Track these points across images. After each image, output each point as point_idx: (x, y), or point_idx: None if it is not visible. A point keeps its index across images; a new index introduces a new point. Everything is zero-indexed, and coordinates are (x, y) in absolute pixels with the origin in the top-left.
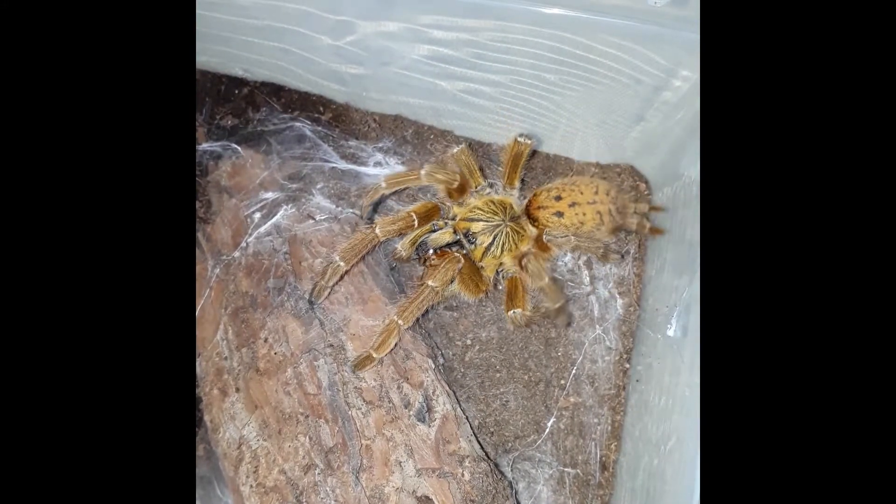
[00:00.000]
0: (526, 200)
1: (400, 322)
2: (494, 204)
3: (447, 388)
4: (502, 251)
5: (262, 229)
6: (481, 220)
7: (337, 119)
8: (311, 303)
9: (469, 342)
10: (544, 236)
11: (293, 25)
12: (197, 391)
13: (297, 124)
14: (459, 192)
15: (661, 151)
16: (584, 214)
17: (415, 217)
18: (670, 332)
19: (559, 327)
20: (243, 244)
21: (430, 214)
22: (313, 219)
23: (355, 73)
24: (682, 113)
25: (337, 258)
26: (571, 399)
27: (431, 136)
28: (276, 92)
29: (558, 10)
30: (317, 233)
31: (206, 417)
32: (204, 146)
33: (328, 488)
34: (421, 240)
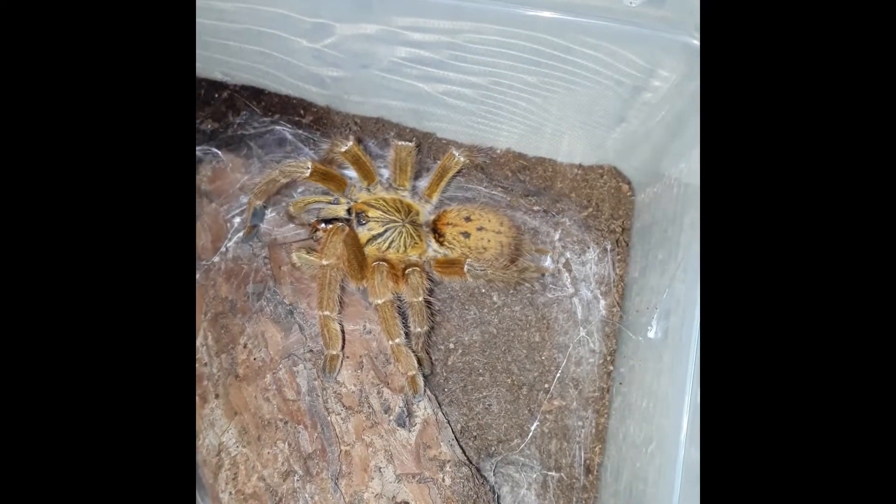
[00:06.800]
0: (434, 216)
1: (326, 313)
2: (401, 204)
3: (429, 392)
4: (388, 247)
5: (242, 233)
6: (380, 209)
7: (318, 122)
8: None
9: (452, 346)
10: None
11: (271, 28)
12: None
13: (278, 128)
14: (369, 178)
15: (642, 152)
16: (489, 241)
17: (310, 165)
18: (651, 335)
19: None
20: (223, 249)
21: (328, 176)
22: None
23: (335, 76)
24: (662, 113)
25: (251, 195)
26: (555, 402)
27: (413, 139)
28: (256, 95)
29: (535, 11)
30: (297, 236)
31: None
32: None
33: (307, 495)
34: (314, 206)
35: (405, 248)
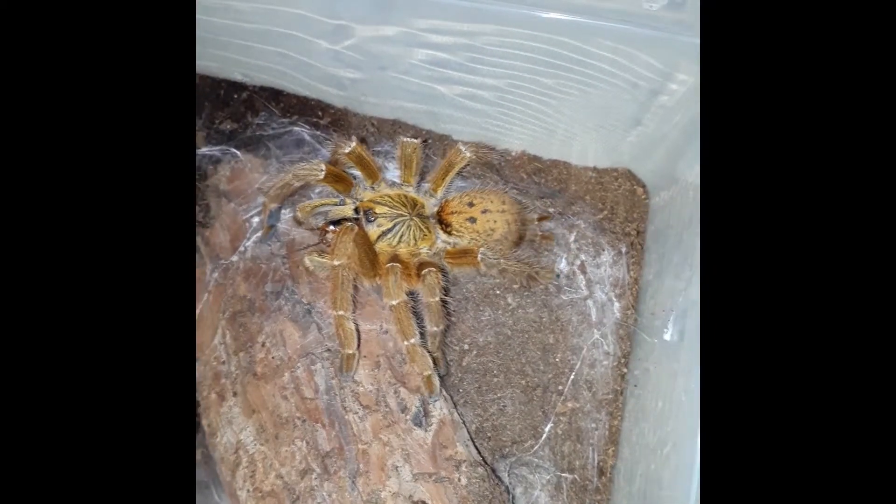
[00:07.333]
0: (437, 206)
1: (340, 312)
2: (406, 198)
3: (444, 392)
4: (399, 241)
5: (260, 234)
6: (387, 205)
7: (335, 123)
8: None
9: (466, 347)
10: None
11: (291, 30)
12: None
13: (296, 129)
14: (373, 177)
15: (658, 155)
16: (496, 222)
17: (323, 168)
18: (667, 337)
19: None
20: (242, 248)
21: (340, 178)
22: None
23: (353, 78)
24: (678, 116)
25: (265, 198)
26: (569, 404)
27: (429, 140)
28: (274, 96)
29: (555, 14)
30: (315, 237)
31: (204, 422)
32: (203, 151)
33: (324, 493)
34: (321, 209)
35: (415, 241)
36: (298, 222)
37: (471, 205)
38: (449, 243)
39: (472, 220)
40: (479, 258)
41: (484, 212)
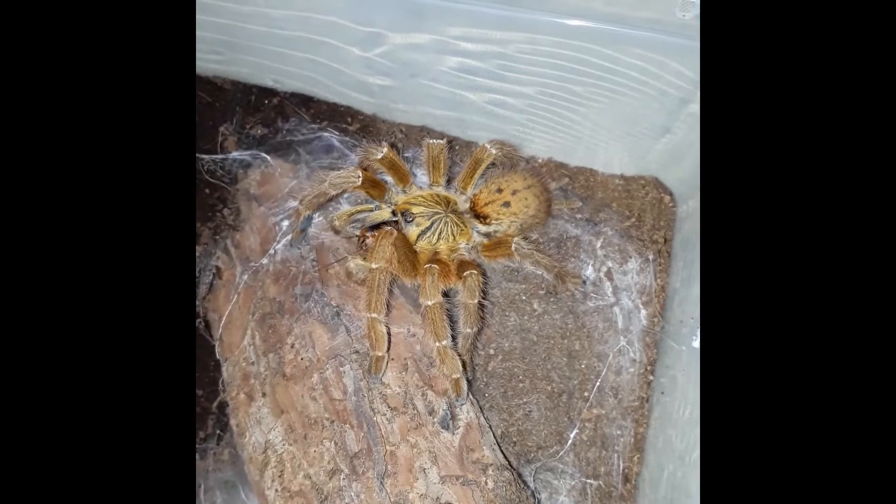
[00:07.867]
0: (469, 203)
1: (373, 315)
2: (439, 197)
3: (471, 396)
4: (438, 238)
5: (290, 237)
6: (422, 205)
7: (364, 130)
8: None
9: (492, 352)
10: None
11: (323, 37)
12: (223, 396)
13: (326, 134)
14: (405, 181)
15: (686, 164)
16: (527, 199)
17: (360, 174)
18: (695, 345)
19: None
20: (271, 251)
21: (375, 183)
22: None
23: (383, 85)
24: None
25: (298, 204)
26: (594, 411)
27: (456, 147)
28: (305, 102)
29: (586, 22)
30: (343, 241)
31: (233, 422)
32: (234, 155)
33: (353, 493)
34: (358, 216)
35: (454, 236)
36: (336, 231)
37: (499, 190)
38: (489, 234)
39: (507, 204)
40: (513, 248)
41: (514, 192)
